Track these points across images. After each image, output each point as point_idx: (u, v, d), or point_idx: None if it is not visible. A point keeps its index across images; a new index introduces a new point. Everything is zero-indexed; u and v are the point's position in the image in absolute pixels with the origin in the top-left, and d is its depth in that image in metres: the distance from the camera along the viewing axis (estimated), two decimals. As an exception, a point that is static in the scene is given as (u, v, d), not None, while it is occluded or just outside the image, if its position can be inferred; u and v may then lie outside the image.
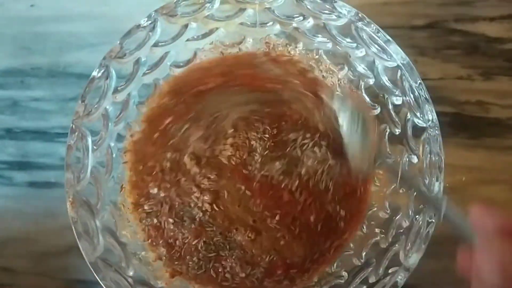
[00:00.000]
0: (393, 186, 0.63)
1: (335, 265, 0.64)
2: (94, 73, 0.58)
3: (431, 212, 0.58)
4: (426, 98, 0.57)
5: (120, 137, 0.64)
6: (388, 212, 0.63)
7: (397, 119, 0.62)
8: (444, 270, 0.69)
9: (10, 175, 0.75)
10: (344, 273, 0.63)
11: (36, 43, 0.77)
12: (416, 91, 0.58)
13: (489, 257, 0.45)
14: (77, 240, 0.55)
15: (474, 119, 0.73)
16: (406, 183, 0.60)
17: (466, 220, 0.48)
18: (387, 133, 0.64)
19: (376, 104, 0.64)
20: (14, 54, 0.77)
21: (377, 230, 0.63)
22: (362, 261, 0.62)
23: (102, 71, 0.58)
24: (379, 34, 0.58)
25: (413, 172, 0.61)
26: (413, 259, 0.56)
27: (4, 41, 0.78)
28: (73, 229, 0.55)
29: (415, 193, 0.60)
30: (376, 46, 0.60)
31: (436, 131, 0.57)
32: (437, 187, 0.57)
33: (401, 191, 0.62)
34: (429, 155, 0.58)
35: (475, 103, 0.73)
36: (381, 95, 0.63)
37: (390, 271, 0.58)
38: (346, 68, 0.65)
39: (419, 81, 0.57)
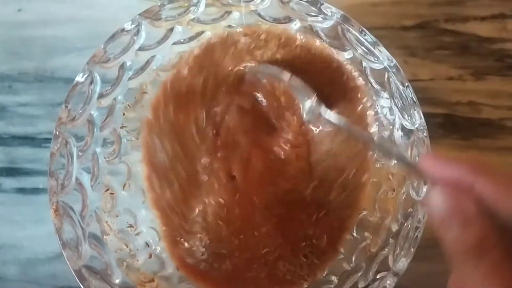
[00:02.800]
0: (382, 189, 0.62)
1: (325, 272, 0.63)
2: (78, 78, 0.58)
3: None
4: (413, 101, 0.56)
5: (105, 143, 0.63)
6: (377, 215, 0.62)
7: (385, 122, 0.61)
8: (437, 273, 0.68)
9: (-2, 181, 0.75)
10: (334, 278, 0.62)
11: (23, 48, 0.77)
12: (404, 93, 0.57)
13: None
14: (61, 249, 0.55)
15: (466, 120, 0.72)
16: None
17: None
18: (376, 136, 0.63)
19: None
20: (2, 59, 0.76)
21: (366, 234, 0.62)
22: (352, 265, 0.62)
23: (86, 75, 0.58)
24: (365, 36, 0.57)
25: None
26: (402, 263, 0.56)
27: (-9, 46, 0.77)
28: (57, 237, 0.54)
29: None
30: (363, 48, 0.59)
31: (424, 134, 0.56)
32: (425, 189, 0.56)
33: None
34: (416, 159, 0.57)
35: (467, 103, 0.72)
36: (371, 97, 0.62)
37: (378, 276, 0.57)
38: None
39: (406, 84, 0.57)
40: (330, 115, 0.57)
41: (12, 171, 0.75)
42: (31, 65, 0.76)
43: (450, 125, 0.72)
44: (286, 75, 0.59)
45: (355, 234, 0.64)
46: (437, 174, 0.44)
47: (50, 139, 0.72)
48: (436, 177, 0.44)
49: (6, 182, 0.75)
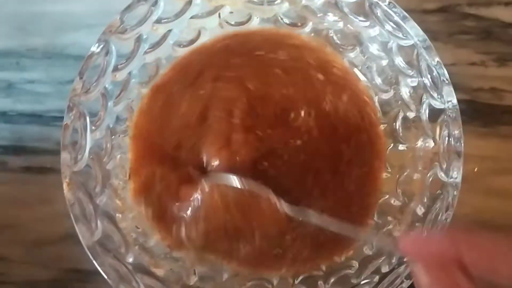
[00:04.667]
0: (406, 172, 0.60)
1: (343, 255, 0.61)
2: (93, 49, 0.55)
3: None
4: (445, 78, 0.54)
5: (119, 120, 0.61)
6: (401, 199, 0.60)
7: (411, 102, 0.60)
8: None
9: (4, 160, 0.73)
10: (354, 263, 0.60)
11: (32, 24, 0.75)
12: (435, 70, 0.55)
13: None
14: (74, 223, 0.52)
15: (488, 107, 0.70)
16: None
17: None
18: (400, 117, 0.61)
19: (389, 87, 0.62)
20: (10, 35, 0.75)
21: (389, 218, 0.60)
22: (374, 250, 0.60)
23: (101, 46, 0.55)
24: (395, 9, 0.55)
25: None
26: None
27: (-1, 22, 0.75)
28: (70, 212, 0.52)
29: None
30: (391, 23, 0.57)
31: (456, 113, 0.54)
32: (456, 173, 0.54)
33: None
34: (446, 139, 0.55)
35: (489, 90, 0.71)
36: (395, 77, 0.61)
37: (405, 259, 0.55)
38: (357, 49, 0.62)
39: (437, 59, 0.55)
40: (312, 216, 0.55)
41: (18, 150, 0.73)
42: (40, 41, 0.74)
43: (471, 112, 0.70)
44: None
45: (376, 219, 0.62)
46: (418, 254, 0.44)
47: (59, 117, 0.72)
48: (417, 258, 0.44)
49: (13, 161, 0.73)
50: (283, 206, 0.56)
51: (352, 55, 0.63)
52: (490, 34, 0.71)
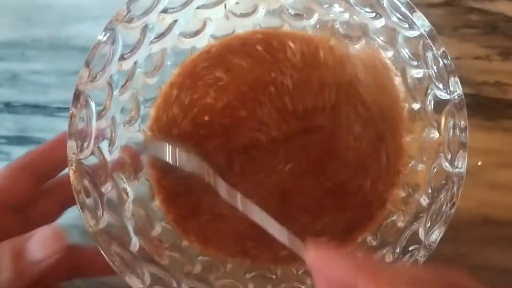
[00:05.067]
0: (410, 164, 0.60)
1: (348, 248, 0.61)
2: (100, 37, 0.55)
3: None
4: (450, 68, 0.54)
5: (124, 110, 0.61)
6: (405, 190, 0.60)
7: (416, 93, 0.60)
8: (459, 256, 0.67)
9: (8, 150, 0.73)
10: (358, 254, 0.60)
11: (37, 15, 0.75)
12: (441, 61, 0.55)
13: None
14: (80, 211, 0.52)
15: (492, 101, 0.70)
16: None
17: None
18: (405, 109, 0.61)
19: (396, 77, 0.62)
20: (14, 26, 0.75)
21: (392, 209, 0.60)
22: (378, 241, 0.60)
23: (108, 35, 0.55)
24: (402, 0, 0.55)
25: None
26: (435, 235, 0.53)
27: (4, 12, 0.75)
28: (76, 199, 0.52)
29: None
30: (398, 14, 0.57)
31: (462, 103, 0.54)
32: (461, 163, 0.54)
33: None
34: (451, 130, 0.55)
35: (493, 84, 0.71)
36: (400, 68, 0.61)
37: (410, 248, 0.55)
38: (363, 40, 0.62)
39: (443, 50, 0.54)
40: None
41: (22, 140, 0.73)
42: (45, 32, 0.75)
43: (475, 106, 0.70)
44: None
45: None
46: (321, 269, 0.44)
47: (63, 108, 0.72)
48: (320, 276, 0.44)
49: (16, 151, 0.73)
50: (218, 186, 0.56)
51: (357, 46, 0.63)
52: (495, 28, 0.71)
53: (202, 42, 0.64)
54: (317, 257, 0.44)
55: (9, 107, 0.73)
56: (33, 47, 0.74)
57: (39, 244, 0.48)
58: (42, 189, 0.59)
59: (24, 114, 0.73)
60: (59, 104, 0.73)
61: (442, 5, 0.71)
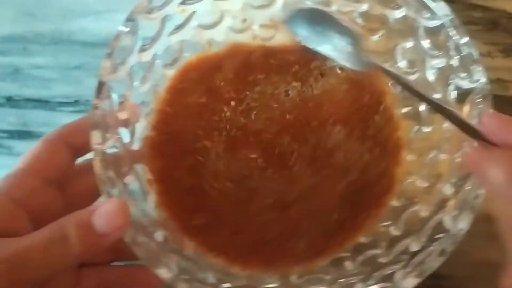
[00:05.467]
0: (431, 155, 0.61)
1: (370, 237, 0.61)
2: (121, 28, 0.55)
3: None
4: (473, 57, 0.55)
5: (143, 102, 0.60)
6: (427, 181, 0.61)
7: (437, 84, 0.60)
8: (461, 252, 0.67)
9: (10, 145, 0.72)
10: (382, 243, 0.60)
11: (40, 9, 0.74)
12: (466, 49, 0.55)
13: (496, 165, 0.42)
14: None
15: (494, 98, 0.71)
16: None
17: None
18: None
19: (413, 70, 0.62)
20: (17, 20, 0.74)
21: (415, 200, 0.61)
22: (401, 231, 0.60)
23: (129, 26, 0.55)
24: None
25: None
26: (463, 223, 0.54)
27: (6, 7, 0.74)
28: (101, 190, 0.51)
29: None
30: (418, 4, 0.57)
31: (487, 91, 0.55)
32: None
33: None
34: (476, 119, 0.56)
35: (495, 80, 0.72)
36: (420, 59, 0.61)
37: (436, 236, 0.55)
38: (381, 32, 0.63)
39: (467, 38, 0.55)
40: None
41: (24, 134, 0.72)
42: (47, 27, 0.74)
43: (478, 102, 0.71)
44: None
45: (398, 203, 0.62)
46: (502, 136, 0.42)
47: (65, 103, 0.71)
48: (500, 140, 0.42)
49: (18, 146, 0.72)
50: None
51: (375, 38, 0.63)
52: (497, 25, 0.72)
53: (219, 34, 0.64)
54: (498, 122, 0.44)
55: (11, 101, 0.72)
56: (36, 41, 0.73)
57: (105, 218, 0.47)
58: (79, 168, 0.58)
59: (26, 108, 0.72)
60: (61, 99, 0.72)
61: (445, 2, 0.72)
